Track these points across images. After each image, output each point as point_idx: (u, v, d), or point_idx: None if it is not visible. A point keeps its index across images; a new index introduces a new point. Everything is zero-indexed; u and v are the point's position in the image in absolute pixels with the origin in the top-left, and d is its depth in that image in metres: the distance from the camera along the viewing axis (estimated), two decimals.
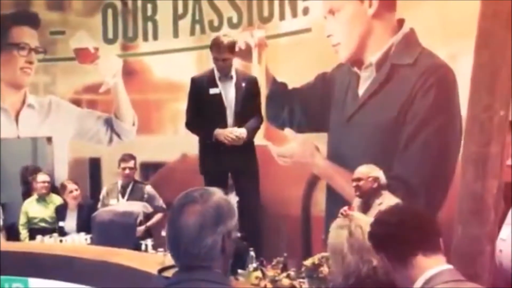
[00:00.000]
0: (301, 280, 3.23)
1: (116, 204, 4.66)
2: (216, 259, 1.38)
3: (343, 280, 1.68)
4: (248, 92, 4.11)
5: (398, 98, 4.20)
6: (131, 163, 4.88)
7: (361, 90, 4.44)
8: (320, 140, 4.64)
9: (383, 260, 1.55)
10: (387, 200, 3.33)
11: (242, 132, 3.99)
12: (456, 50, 3.89)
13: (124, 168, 4.85)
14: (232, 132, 3.95)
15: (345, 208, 3.39)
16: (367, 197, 3.38)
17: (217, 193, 1.44)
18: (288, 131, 4.80)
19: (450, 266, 1.49)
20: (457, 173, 2.57)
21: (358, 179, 3.41)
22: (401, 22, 4.24)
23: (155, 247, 4.09)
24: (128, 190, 4.82)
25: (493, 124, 2.05)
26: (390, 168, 4.00)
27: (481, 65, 2.08)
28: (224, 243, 1.39)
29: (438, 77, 4.03)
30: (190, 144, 4.65)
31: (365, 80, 4.42)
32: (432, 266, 1.46)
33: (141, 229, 4.49)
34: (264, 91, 4.82)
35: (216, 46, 4.04)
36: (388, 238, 1.53)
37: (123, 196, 4.83)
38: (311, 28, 4.78)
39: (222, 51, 4.01)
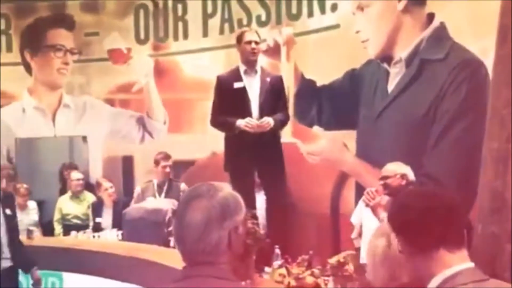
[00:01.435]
0: (326, 278, 3.21)
1: (146, 201, 4.74)
2: (222, 255, 1.38)
3: None
4: (273, 88, 4.11)
5: (428, 94, 4.11)
6: (170, 162, 4.97)
7: (390, 87, 4.36)
8: (349, 137, 4.59)
9: (401, 245, 1.37)
10: None
11: (267, 119, 3.97)
12: (488, 44, 3.76)
13: (164, 167, 4.91)
14: (255, 120, 3.95)
15: (372, 189, 3.35)
16: (396, 195, 3.33)
17: (224, 188, 1.45)
18: (316, 129, 4.77)
19: (471, 265, 1.35)
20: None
21: (386, 177, 3.36)
22: (431, 17, 4.15)
23: None
24: (165, 188, 4.89)
25: None
26: (420, 166, 3.92)
27: (501, 60, 2.02)
28: (231, 238, 1.39)
29: (470, 72, 3.92)
30: (219, 142, 4.66)
31: (395, 76, 4.34)
32: (454, 263, 1.32)
33: None
34: (292, 89, 4.81)
35: (246, 32, 4.12)
36: (409, 225, 1.35)
37: (159, 194, 4.90)
38: (339, 24, 4.74)
39: (254, 35, 4.09)
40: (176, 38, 5.86)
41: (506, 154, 1.99)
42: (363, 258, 3.72)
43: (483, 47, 3.81)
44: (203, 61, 5.67)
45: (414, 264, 1.36)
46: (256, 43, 4.08)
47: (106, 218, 5.06)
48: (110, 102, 6.17)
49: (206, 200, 1.39)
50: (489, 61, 3.71)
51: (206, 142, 5.40)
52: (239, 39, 4.12)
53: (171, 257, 3.76)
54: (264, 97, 4.05)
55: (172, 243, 4.23)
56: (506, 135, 1.99)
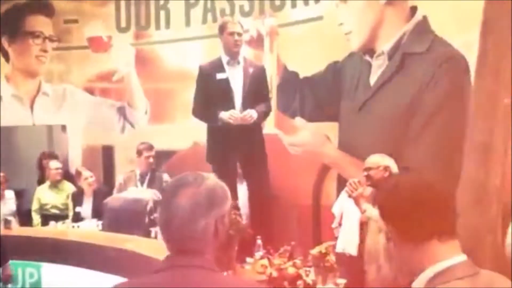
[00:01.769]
0: (307, 268, 3.23)
1: (127, 191, 4.71)
2: (208, 244, 1.38)
3: None
4: (256, 78, 4.10)
5: (410, 87, 4.14)
6: (153, 152, 4.94)
7: (372, 79, 4.38)
8: (331, 129, 4.61)
9: (391, 234, 1.33)
10: None
11: (250, 112, 3.97)
12: (470, 39, 3.80)
13: (147, 157, 4.89)
14: (239, 112, 3.94)
15: (355, 180, 3.38)
16: (378, 186, 3.36)
17: (211, 177, 1.45)
18: (299, 120, 4.78)
19: (464, 257, 1.31)
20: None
21: (369, 169, 3.39)
22: (414, 10, 4.17)
23: None
24: (147, 178, 4.88)
25: (497, 112, 2.01)
26: (401, 158, 3.96)
27: (486, 52, 2.04)
28: (217, 227, 1.39)
29: (451, 66, 3.95)
30: (202, 132, 4.65)
31: (377, 69, 4.36)
32: (446, 255, 1.28)
33: None
34: (275, 80, 4.80)
35: (229, 23, 4.08)
36: (401, 214, 1.31)
37: (142, 184, 4.89)
38: (322, 16, 4.74)
39: (237, 26, 4.06)
40: (158, 27, 5.79)
41: (489, 146, 2.01)
42: (340, 248, 3.76)
43: (465, 41, 3.84)
44: (185, 50, 5.61)
45: (406, 255, 1.33)
46: (239, 34, 4.06)
47: (86, 208, 5.02)
48: (90, 90, 6.07)
49: (194, 187, 1.38)
50: (470, 56, 3.77)
51: (188, 132, 5.37)
52: (222, 29, 4.09)
53: (152, 248, 3.74)
54: (247, 88, 4.04)
55: (153, 234, 4.22)
56: (489, 128, 2.01)
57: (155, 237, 4.17)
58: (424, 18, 4.12)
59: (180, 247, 1.37)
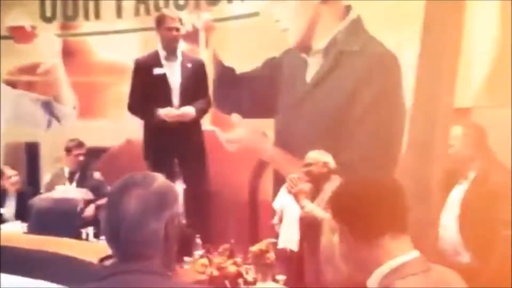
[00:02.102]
0: (248, 266, 3.21)
1: (55, 191, 4.47)
2: (157, 247, 1.31)
3: None
4: (195, 74, 4.02)
5: (345, 85, 4.23)
6: (84, 149, 4.73)
7: (309, 76, 4.43)
8: (268, 125, 4.61)
9: (344, 234, 1.33)
10: (337, 184, 3.34)
11: (188, 109, 3.88)
12: (402, 39, 3.93)
13: (77, 155, 4.71)
14: (176, 110, 3.85)
15: (294, 175, 3.40)
16: (318, 182, 3.41)
17: (159, 177, 1.38)
18: (235, 117, 4.75)
19: (418, 253, 1.32)
20: (401, 159, 2.60)
21: (309, 164, 3.42)
22: (348, 9, 4.26)
23: (96, 235, 3.96)
24: (77, 176, 4.69)
25: (438, 110, 2.07)
26: (336, 155, 4.03)
27: (427, 52, 2.10)
28: (168, 230, 1.33)
29: (383, 65, 4.07)
30: (135, 129, 4.51)
31: (313, 66, 4.42)
32: (400, 251, 1.29)
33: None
34: (211, 76, 4.74)
35: (167, 17, 3.95)
36: (351, 212, 1.32)
37: (71, 182, 4.69)
38: (259, 12, 4.72)
39: (175, 21, 3.95)
40: (87, 17, 5.53)
41: (430, 143, 2.07)
42: (281, 244, 3.79)
43: (397, 42, 3.98)
44: (116, 43, 5.40)
45: (360, 253, 1.33)
46: (177, 29, 3.95)
47: (9, 209, 4.71)
48: (12, 84, 5.68)
49: (143, 189, 1.31)
50: (404, 54, 3.90)
51: (120, 129, 5.18)
52: (160, 23, 3.96)
53: (83, 250, 3.56)
54: (186, 84, 3.94)
55: (84, 235, 4.03)
56: (431, 126, 2.07)
57: (87, 239, 3.99)
58: (358, 17, 4.21)
59: (129, 252, 1.29)
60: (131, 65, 4.20)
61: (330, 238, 1.41)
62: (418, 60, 2.13)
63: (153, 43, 4.33)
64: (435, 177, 2.08)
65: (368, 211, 1.32)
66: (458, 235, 2.98)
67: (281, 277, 3.24)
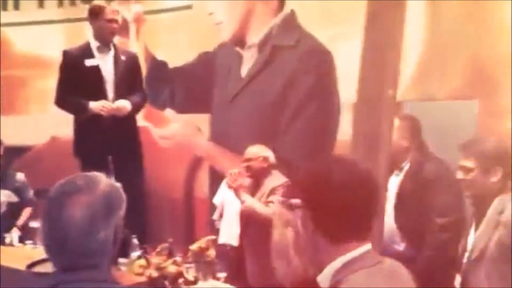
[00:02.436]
0: (188, 265, 3.13)
1: None
2: (107, 254, 1.22)
3: (290, 285, 1.40)
4: (128, 67, 3.86)
5: (280, 80, 4.22)
6: (2, 148, 4.38)
7: (244, 71, 4.39)
8: (203, 121, 4.53)
9: (305, 228, 1.25)
10: (277, 178, 3.35)
11: (123, 103, 3.72)
12: (335, 34, 4.00)
13: None
14: (111, 103, 3.68)
15: (235, 170, 3.36)
16: (258, 177, 3.39)
17: (102, 178, 1.28)
18: (169, 112, 4.62)
19: (370, 246, 1.27)
20: (346, 152, 2.63)
21: (249, 159, 3.40)
22: (282, 3, 4.26)
23: (22, 240, 3.71)
24: None
25: (382, 104, 2.11)
26: (274, 149, 4.04)
27: (370, 45, 2.12)
28: (116, 234, 1.24)
29: (318, 60, 4.12)
30: (61, 125, 4.26)
31: (248, 61, 4.38)
32: (355, 246, 1.24)
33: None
34: (143, 70, 4.58)
35: (107, 9, 3.79)
36: (319, 201, 1.22)
37: None
38: (192, 4, 4.62)
39: (116, 13, 3.81)
40: (5, 8, 5.16)
41: (375, 136, 2.10)
42: (222, 240, 3.73)
43: (331, 37, 4.04)
44: (39, 35, 5.08)
45: (319, 248, 1.28)
46: (117, 21, 3.78)
47: None
48: None
49: (87, 195, 1.21)
50: (339, 48, 3.96)
51: (45, 125, 4.88)
52: (96, 14, 3.75)
53: (7, 256, 3.33)
54: (120, 77, 3.77)
55: (8, 240, 3.78)
56: (375, 118, 2.10)
57: (11, 244, 3.73)
58: (292, 12, 4.22)
59: (74, 262, 1.19)
60: (54, 57, 3.98)
61: (283, 232, 1.34)
62: (361, 53, 2.15)
63: (79, 35, 4.12)
64: (381, 169, 2.12)
65: (343, 214, 1.24)
66: (394, 225, 3.08)
67: (222, 275, 3.19)
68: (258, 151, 3.39)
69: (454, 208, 2.91)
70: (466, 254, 2.40)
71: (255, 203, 3.27)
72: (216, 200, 3.87)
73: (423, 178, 2.97)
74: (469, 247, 2.41)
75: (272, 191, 3.29)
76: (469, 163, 2.33)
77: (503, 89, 3.12)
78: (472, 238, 2.42)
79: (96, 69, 3.72)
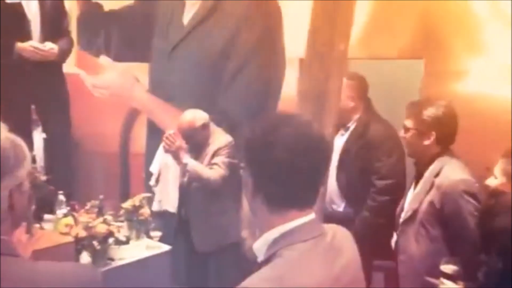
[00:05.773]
0: (119, 224, 2.95)
1: None
2: (2, 223, 1.03)
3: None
4: (54, 8, 3.49)
5: (224, 30, 3.98)
6: None
7: (186, 19, 4.11)
8: (141, 70, 4.24)
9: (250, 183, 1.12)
10: (219, 136, 3.19)
11: (52, 45, 3.39)
12: None
13: None
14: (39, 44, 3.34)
15: (170, 132, 3.17)
16: (198, 141, 3.21)
17: None
18: (104, 59, 4.29)
19: (312, 216, 1.15)
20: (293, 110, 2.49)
21: (186, 128, 3.18)
22: None
23: None
24: None
25: (332, 59, 1.96)
26: (216, 103, 3.85)
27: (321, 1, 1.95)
28: (13, 199, 1.05)
29: (265, 9, 3.91)
30: None
31: (191, 8, 4.09)
32: (297, 215, 1.12)
33: None
34: (75, 12, 4.20)
35: None
36: (260, 162, 1.09)
37: None
38: None
39: None
40: None
41: (324, 93, 1.96)
42: (157, 206, 3.57)
43: None
44: None
45: (256, 212, 1.15)
46: None
47: None
48: None
49: None
50: (285, 3, 3.76)
51: None
52: None
53: None
54: (45, 18, 3.40)
55: None
56: (325, 74, 1.96)
57: None
58: None
59: None
60: None
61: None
62: (312, 8, 1.98)
63: None
64: (327, 129, 2.00)
65: (288, 180, 1.10)
66: (336, 184, 3.02)
67: (156, 233, 3.03)
68: (193, 118, 3.17)
69: (394, 172, 2.88)
70: (402, 214, 2.39)
71: (197, 166, 3.10)
72: (153, 168, 3.65)
73: (368, 140, 2.90)
74: (405, 207, 2.39)
75: (216, 152, 3.12)
76: (408, 123, 2.33)
77: (451, 49, 3.07)
78: (409, 198, 2.40)
79: (18, 6, 3.33)
